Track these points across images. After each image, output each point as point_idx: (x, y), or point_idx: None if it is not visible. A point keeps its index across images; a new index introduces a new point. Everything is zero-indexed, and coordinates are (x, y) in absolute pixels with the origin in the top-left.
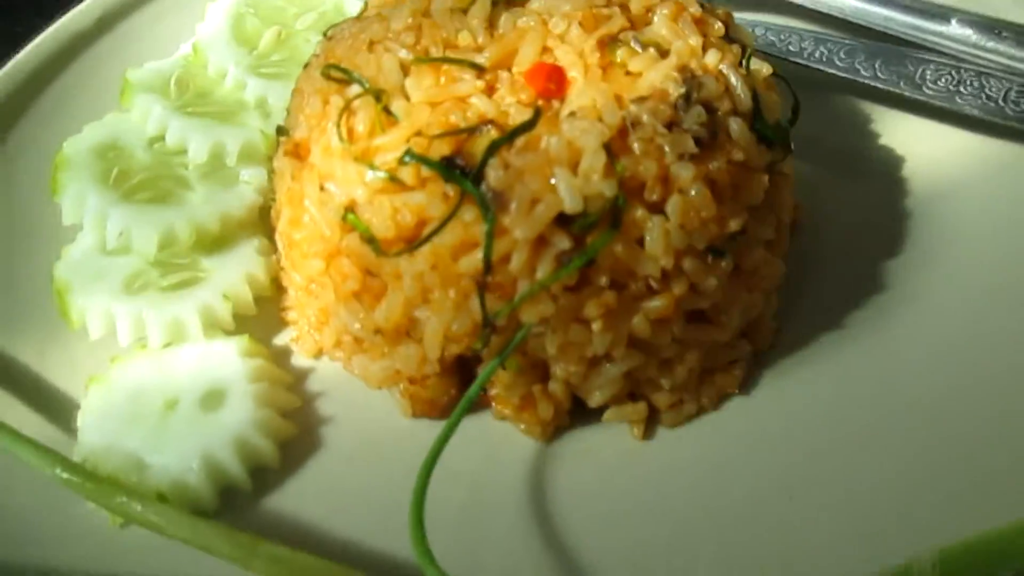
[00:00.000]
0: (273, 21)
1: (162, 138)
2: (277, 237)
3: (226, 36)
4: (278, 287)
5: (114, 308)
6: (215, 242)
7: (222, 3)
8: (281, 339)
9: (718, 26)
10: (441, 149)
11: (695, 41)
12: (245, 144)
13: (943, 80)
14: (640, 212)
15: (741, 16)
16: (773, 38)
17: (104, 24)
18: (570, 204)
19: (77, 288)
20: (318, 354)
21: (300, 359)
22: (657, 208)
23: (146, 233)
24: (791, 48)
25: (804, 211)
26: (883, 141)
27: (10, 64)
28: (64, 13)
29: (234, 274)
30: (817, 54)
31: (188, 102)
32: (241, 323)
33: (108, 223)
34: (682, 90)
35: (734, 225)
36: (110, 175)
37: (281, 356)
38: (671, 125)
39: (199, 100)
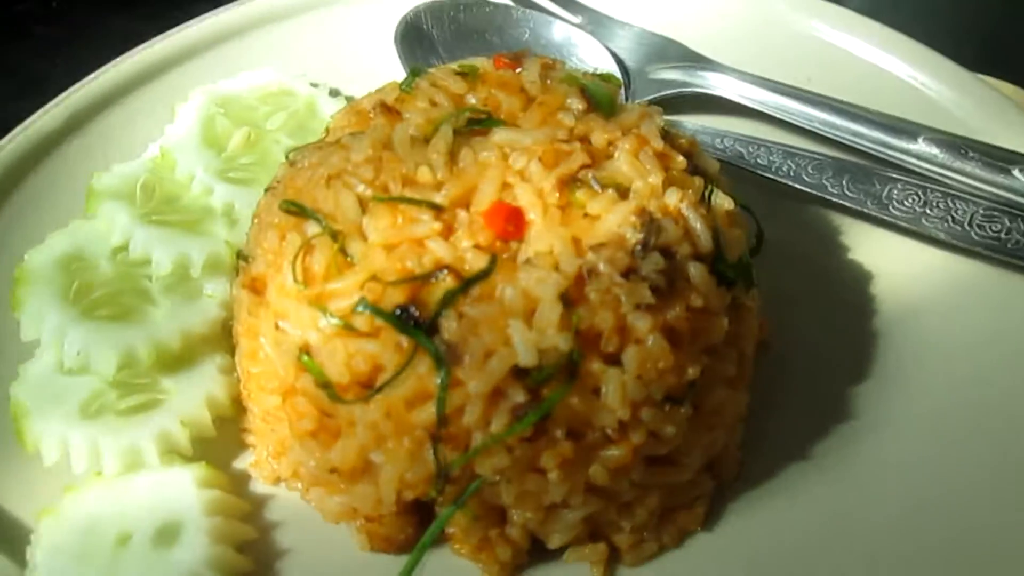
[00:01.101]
0: (243, 122)
1: (127, 247)
2: (237, 362)
3: (195, 139)
4: (239, 407)
5: (69, 435)
6: (177, 361)
7: (192, 104)
8: (241, 462)
9: (680, 159)
10: (396, 296)
11: (655, 179)
12: (210, 255)
13: (909, 200)
14: (596, 364)
15: (711, 124)
16: (742, 149)
17: (74, 124)
18: (525, 358)
19: (33, 411)
20: (276, 481)
21: (259, 484)
22: (614, 359)
23: (105, 354)
24: (760, 161)
25: (770, 327)
26: (851, 256)
27: None
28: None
29: (194, 396)
30: (785, 168)
31: (154, 209)
32: (200, 445)
33: (66, 342)
34: (640, 236)
35: (692, 373)
36: (71, 289)
37: (239, 481)
38: (628, 273)
39: (165, 207)
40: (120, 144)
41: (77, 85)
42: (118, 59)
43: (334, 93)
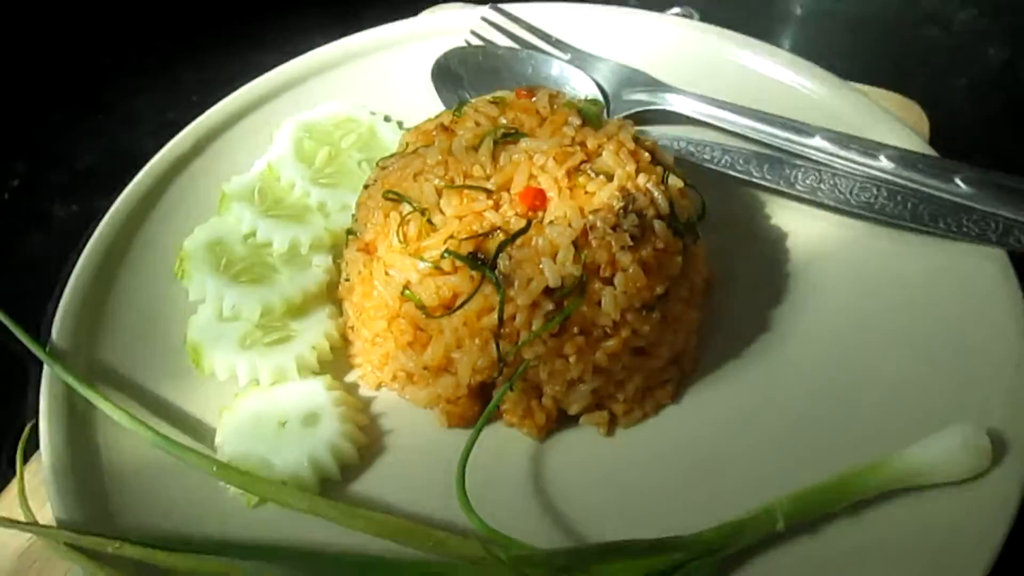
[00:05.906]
0: (324, 142)
1: (253, 235)
2: (347, 305)
3: (291, 156)
4: (346, 340)
5: (235, 360)
6: (298, 310)
7: (285, 130)
8: (350, 377)
9: (646, 155)
10: (467, 247)
11: (630, 168)
12: (314, 238)
13: (809, 180)
14: (598, 284)
15: (670, 131)
16: (692, 149)
17: (199, 147)
18: (552, 282)
19: (206, 346)
20: (378, 386)
21: (365, 390)
22: (608, 281)
23: (251, 306)
24: (705, 156)
25: (716, 274)
26: (771, 222)
27: (133, 182)
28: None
29: (315, 333)
30: (723, 161)
31: (269, 207)
32: (323, 366)
33: (224, 300)
34: (622, 204)
35: (659, 290)
36: (220, 263)
37: (352, 388)
38: (615, 227)
39: (276, 205)
40: (234, 161)
41: (198, 119)
42: (226, 98)
43: (387, 119)
